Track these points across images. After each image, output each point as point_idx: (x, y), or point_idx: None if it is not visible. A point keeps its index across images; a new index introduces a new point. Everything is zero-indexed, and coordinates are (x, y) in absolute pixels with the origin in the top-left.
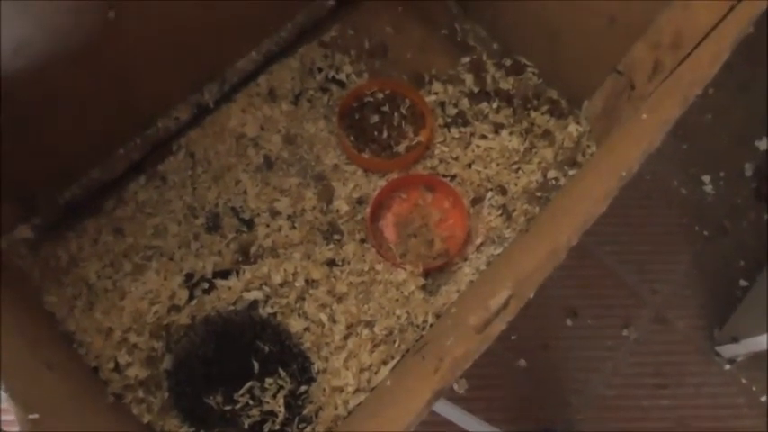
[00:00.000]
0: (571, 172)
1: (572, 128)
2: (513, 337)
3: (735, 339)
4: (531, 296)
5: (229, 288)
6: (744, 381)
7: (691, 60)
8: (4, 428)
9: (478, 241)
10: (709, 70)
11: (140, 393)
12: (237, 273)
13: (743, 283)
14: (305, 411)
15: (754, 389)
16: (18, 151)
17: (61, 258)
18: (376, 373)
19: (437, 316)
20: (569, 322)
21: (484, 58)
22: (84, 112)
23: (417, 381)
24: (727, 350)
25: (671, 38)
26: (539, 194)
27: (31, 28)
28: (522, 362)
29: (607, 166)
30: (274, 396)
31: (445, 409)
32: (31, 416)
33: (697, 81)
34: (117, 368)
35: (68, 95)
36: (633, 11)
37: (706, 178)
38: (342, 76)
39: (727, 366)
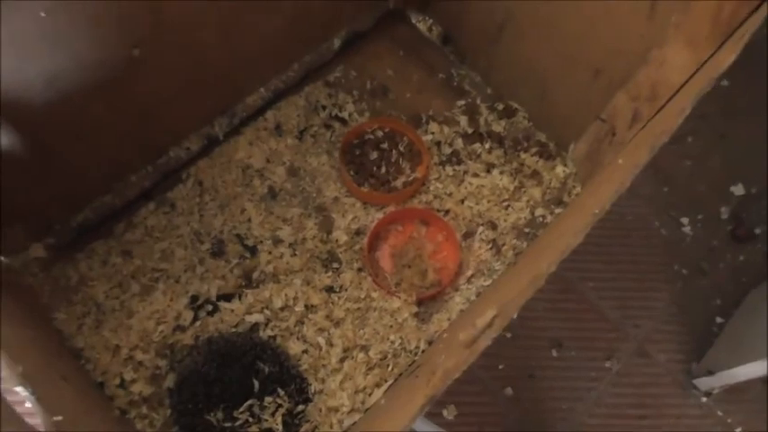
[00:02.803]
0: (557, 210)
1: (559, 169)
2: (500, 367)
3: (710, 372)
4: (515, 316)
5: (232, 311)
6: (720, 413)
7: (663, 112)
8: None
9: (469, 273)
10: (675, 122)
11: (144, 409)
12: (240, 296)
13: (719, 320)
14: (301, 430)
15: (729, 421)
16: (38, 176)
17: (71, 278)
18: (370, 394)
19: (429, 342)
20: (555, 353)
21: (478, 101)
22: (103, 141)
23: (411, 394)
24: (704, 383)
25: (648, 91)
26: (527, 230)
27: (64, 62)
28: (509, 390)
29: (585, 204)
30: (273, 414)
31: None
32: (55, 418)
33: (666, 131)
34: (122, 384)
35: (90, 125)
36: (616, 65)
37: (685, 220)
38: (344, 114)
39: (704, 399)
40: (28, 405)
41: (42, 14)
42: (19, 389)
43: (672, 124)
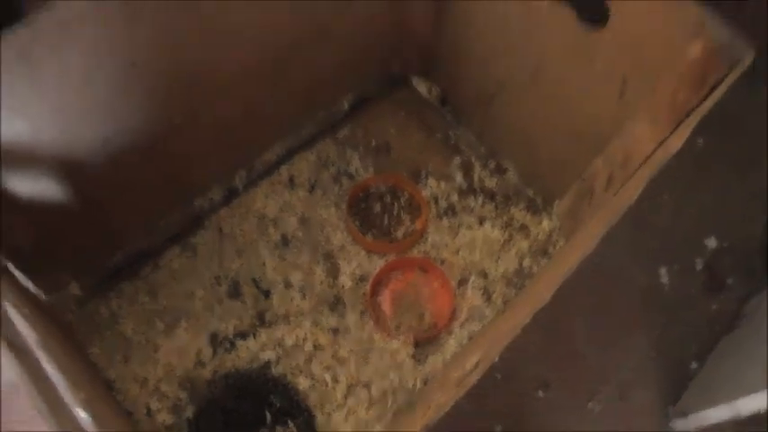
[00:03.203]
0: (543, 261)
1: (545, 223)
2: (490, 406)
3: (684, 415)
4: (496, 359)
5: (247, 348)
6: None
7: (629, 182)
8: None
9: (462, 318)
10: (634, 194)
11: None
12: (255, 335)
13: (694, 365)
14: None
15: None
16: (83, 224)
17: (103, 315)
18: (372, 429)
19: (424, 381)
20: (541, 394)
21: (472, 159)
22: (139, 193)
23: (409, 425)
24: (678, 425)
25: (620, 158)
26: (515, 279)
27: (116, 129)
28: (499, 429)
29: (562, 260)
30: None
31: None
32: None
33: (623, 205)
34: (148, 413)
35: (131, 180)
36: (595, 133)
37: (662, 270)
38: (351, 170)
39: None
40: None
41: (103, 91)
42: (79, 410)
43: (631, 196)
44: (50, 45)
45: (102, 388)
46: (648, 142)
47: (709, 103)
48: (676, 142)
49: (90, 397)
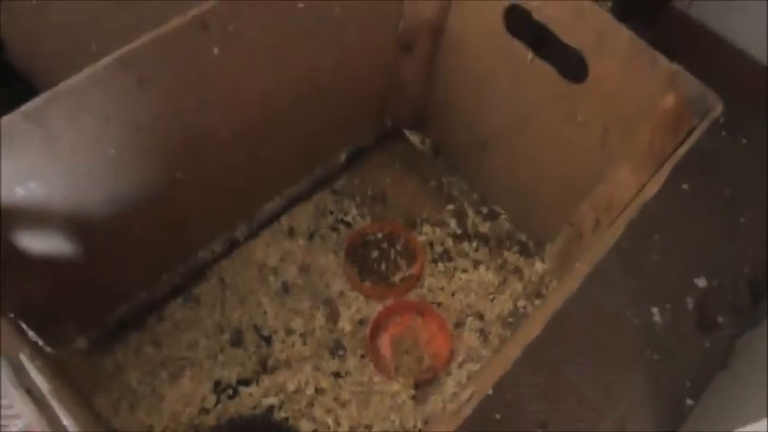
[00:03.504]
0: (537, 302)
1: (538, 266)
2: None
3: None
4: (490, 392)
5: (250, 394)
6: None
7: (613, 226)
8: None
9: (460, 359)
10: (618, 232)
11: None
12: (257, 381)
13: (689, 401)
14: None
15: None
16: (88, 279)
17: (108, 366)
18: None
19: (425, 421)
20: None
21: (465, 206)
22: (143, 248)
23: None
24: None
25: (605, 203)
26: (510, 320)
27: (122, 185)
28: None
29: (552, 300)
30: None
31: None
32: None
33: (603, 249)
34: None
35: (135, 235)
36: (580, 179)
37: (655, 310)
38: (349, 218)
39: None
40: None
41: (112, 152)
42: None
43: (615, 235)
44: (66, 113)
45: None
46: (630, 187)
47: (683, 150)
48: (653, 187)
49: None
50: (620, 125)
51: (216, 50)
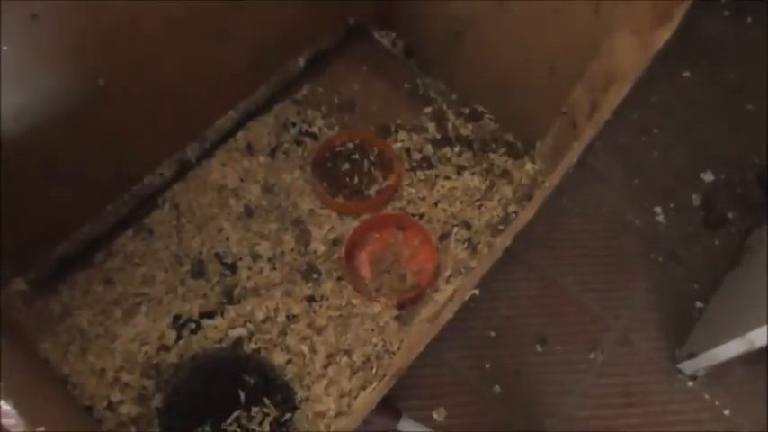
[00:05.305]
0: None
1: (528, 166)
2: (487, 366)
3: (692, 355)
4: (477, 293)
5: (215, 327)
6: (707, 396)
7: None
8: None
9: (447, 273)
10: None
11: (133, 430)
12: (222, 313)
13: (698, 304)
14: None
15: (716, 403)
16: (15, 211)
17: (54, 309)
18: (355, 397)
19: None
20: (539, 348)
21: (444, 108)
22: (77, 173)
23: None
24: (688, 366)
25: (602, 81)
26: (500, 227)
27: (29, 96)
28: (497, 388)
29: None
30: (260, 424)
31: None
32: (38, 429)
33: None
34: (110, 406)
35: (63, 158)
36: (569, 60)
37: (658, 209)
38: (314, 130)
39: (690, 383)
40: (12, 420)
41: (5, 48)
42: (2, 403)
43: (617, 100)
44: None
45: (50, 383)
46: (633, 51)
47: None
48: (657, 41)
49: (19, 390)
50: None
51: None
